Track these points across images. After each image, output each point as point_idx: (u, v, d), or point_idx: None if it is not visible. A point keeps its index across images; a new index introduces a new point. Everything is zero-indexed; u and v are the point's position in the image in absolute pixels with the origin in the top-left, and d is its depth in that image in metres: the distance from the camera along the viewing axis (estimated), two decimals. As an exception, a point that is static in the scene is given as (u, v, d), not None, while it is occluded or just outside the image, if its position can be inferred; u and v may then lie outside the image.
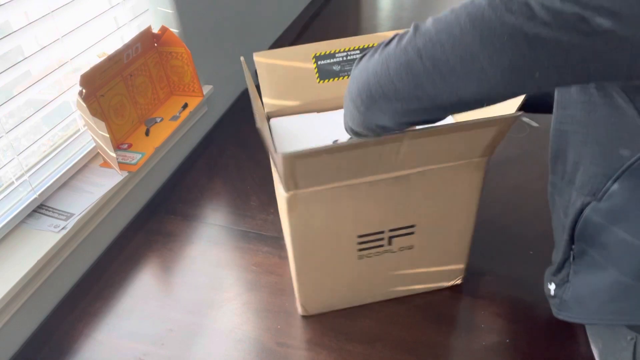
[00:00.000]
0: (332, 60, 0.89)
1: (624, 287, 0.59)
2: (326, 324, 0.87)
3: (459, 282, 0.91)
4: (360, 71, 0.55)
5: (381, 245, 0.80)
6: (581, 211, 0.60)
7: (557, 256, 0.68)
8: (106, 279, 0.98)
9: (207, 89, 1.30)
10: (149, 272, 0.99)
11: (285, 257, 0.99)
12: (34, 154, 0.99)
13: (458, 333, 0.84)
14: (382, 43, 0.54)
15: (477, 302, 0.89)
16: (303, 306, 0.87)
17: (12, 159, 0.90)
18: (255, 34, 1.60)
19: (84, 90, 0.96)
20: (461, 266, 0.88)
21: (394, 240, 0.80)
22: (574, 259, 0.65)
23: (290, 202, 0.71)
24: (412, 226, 0.78)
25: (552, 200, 0.68)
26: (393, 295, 0.90)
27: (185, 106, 1.23)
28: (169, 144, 1.22)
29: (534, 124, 1.29)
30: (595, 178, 0.58)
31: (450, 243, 0.83)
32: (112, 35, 1.09)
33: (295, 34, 1.77)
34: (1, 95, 0.88)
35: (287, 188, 0.69)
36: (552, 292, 0.70)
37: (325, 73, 0.90)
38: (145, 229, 1.08)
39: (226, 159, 1.27)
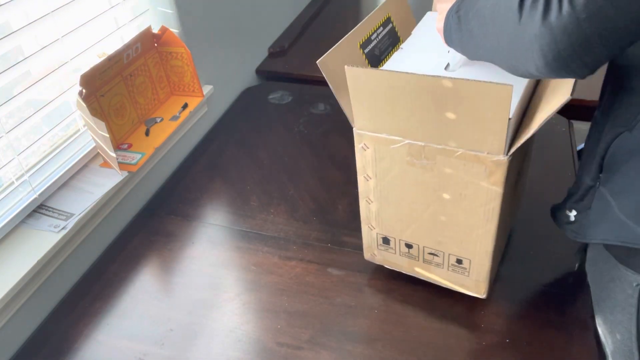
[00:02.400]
0: (371, 45, 0.86)
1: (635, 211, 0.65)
2: (326, 323, 0.87)
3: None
4: (542, 32, 0.52)
5: (515, 187, 0.86)
6: (612, 140, 0.65)
7: (579, 187, 0.73)
8: (106, 279, 0.98)
9: (207, 89, 1.30)
10: (149, 272, 0.99)
11: (285, 257, 0.99)
12: (34, 154, 0.99)
13: (458, 333, 0.84)
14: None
15: (477, 302, 0.89)
16: (490, 285, 0.86)
17: (12, 159, 0.90)
18: (255, 34, 1.60)
19: (84, 90, 0.96)
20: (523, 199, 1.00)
21: (518, 179, 0.87)
22: (599, 186, 0.69)
23: (509, 166, 0.69)
24: (524, 159, 0.86)
25: (589, 133, 0.73)
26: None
27: (185, 106, 1.23)
28: (169, 144, 1.22)
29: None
30: (629, 108, 0.62)
31: (527, 173, 0.98)
32: (112, 35, 1.09)
33: (295, 35, 1.77)
34: (1, 95, 0.88)
35: (507, 151, 0.67)
36: (573, 218, 0.74)
37: (373, 61, 0.86)
38: (145, 229, 1.08)
39: (226, 159, 1.27)
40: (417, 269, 0.89)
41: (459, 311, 0.88)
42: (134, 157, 1.07)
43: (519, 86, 0.73)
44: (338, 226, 1.05)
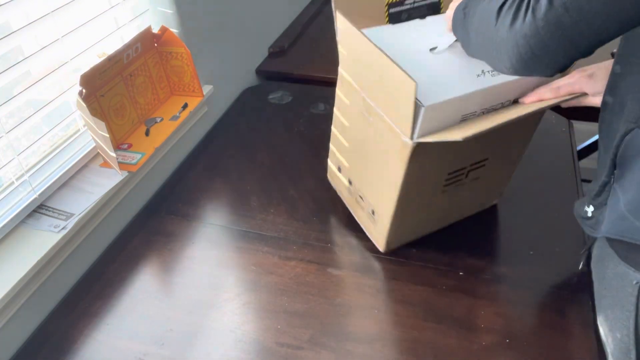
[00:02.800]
0: (401, 8, 0.91)
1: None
2: (326, 323, 0.87)
3: (496, 202, 1.07)
4: (508, 36, 0.61)
5: (460, 179, 0.91)
6: (624, 137, 0.66)
7: (596, 184, 0.75)
8: (106, 279, 0.98)
9: (207, 89, 1.30)
10: (149, 272, 0.99)
11: (285, 257, 0.99)
12: (34, 154, 0.99)
13: (458, 333, 0.84)
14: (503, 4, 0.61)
15: (477, 302, 0.89)
16: (388, 244, 0.94)
17: (12, 159, 0.90)
18: (255, 34, 1.60)
19: (84, 90, 0.96)
20: (504, 187, 1.05)
21: (470, 173, 0.91)
22: (613, 183, 0.71)
23: (415, 151, 0.76)
24: (485, 159, 0.90)
25: (600, 135, 0.74)
26: (450, 221, 1.03)
27: (185, 106, 1.23)
28: (169, 144, 1.22)
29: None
30: None
31: (504, 170, 1.00)
32: (112, 35, 1.09)
33: (295, 34, 1.77)
34: (1, 95, 0.88)
35: (412, 137, 0.74)
36: (590, 214, 0.76)
37: (394, 20, 0.92)
38: (145, 229, 1.08)
39: (226, 159, 1.27)
40: (351, 205, 1.02)
41: (459, 311, 0.88)
42: (134, 157, 1.07)
43: (480, 84, 0.76)
44: (338, 226, 1.05)
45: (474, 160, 0.89)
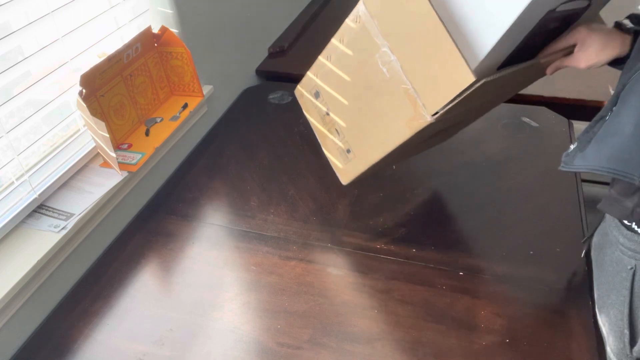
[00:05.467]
0: None
1: (635, 141, 0.65)
2: (326, 323, 0.87)
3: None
4: None
5: (433, 137, 0.98)
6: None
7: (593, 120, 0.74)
8: (106, 279, 0.98)
9: (207, 89, 1.30)
10: (149, 272, 0.99)
11: (285, 257, 0.99)
12: (34, 154, 0.99)
13: (458, 333, 0.84)
14: None
15: (477, 302, 0.89)
16: (353, 181, 0.95)
17: (12, 159, 0.90)
18: (255, 34, 1.60)
19: (84, 90, 0.96)
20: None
21: (441, 132, 0.97)
22: (608, 118, 0.69)
23: (429, 124, 0.75)
24: (460, 122, 0.98)
25: (620, 81, 0.71)
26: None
27: (185, 106, 1.23)
28: (169, 144, 1.22)
29: (534, 124, 1.28)
30: None
31: (459, 131, 1.13)
32: (112, 35, 1.09)
33: (295, 34, 1.77)
34: (1, 95, 0.88)
35: (435, 114, 0.73)
36: (571, 149, 0.75)
37: None
38: (145, 229, 1.08)
39: (226, 159, 1.27)
40: (320, 130, 0.97)
41: (458, 311, 0.88)
42: (134, 157, 1.07)
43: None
44: (338, 226, 1.05)
45: (452, 123, 0.92)
